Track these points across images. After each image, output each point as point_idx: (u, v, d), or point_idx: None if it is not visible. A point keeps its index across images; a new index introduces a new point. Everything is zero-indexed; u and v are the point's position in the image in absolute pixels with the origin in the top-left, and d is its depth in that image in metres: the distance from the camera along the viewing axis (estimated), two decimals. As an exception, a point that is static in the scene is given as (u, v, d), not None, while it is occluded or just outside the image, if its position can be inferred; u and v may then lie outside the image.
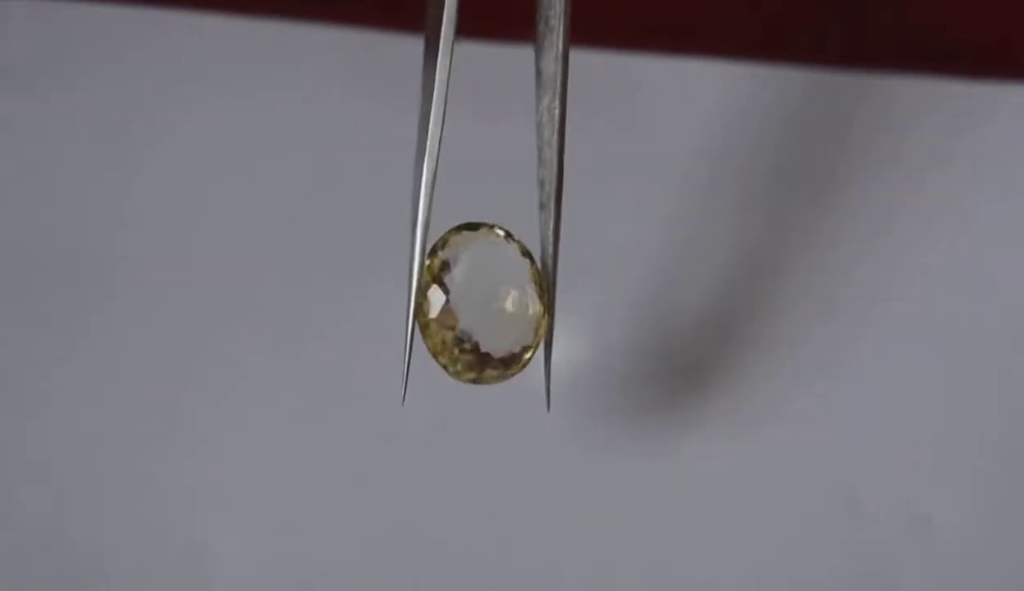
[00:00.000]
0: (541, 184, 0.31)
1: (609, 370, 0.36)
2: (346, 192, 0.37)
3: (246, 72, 0.38)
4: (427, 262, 0.30)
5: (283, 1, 0.39)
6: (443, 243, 0.30)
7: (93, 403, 0.35)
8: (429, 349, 0.30)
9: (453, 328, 0.30)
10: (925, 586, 0.34)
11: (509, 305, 0.29)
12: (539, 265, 0.30)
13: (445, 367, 0.30)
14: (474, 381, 0.30)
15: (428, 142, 0.29)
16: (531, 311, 0.30)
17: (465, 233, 0.30)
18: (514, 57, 0.35)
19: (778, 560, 0.34)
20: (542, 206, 0.30)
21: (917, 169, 0.37)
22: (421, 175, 0.29)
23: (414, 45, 0.36)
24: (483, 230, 0.30)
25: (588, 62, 0.35)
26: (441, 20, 0.29)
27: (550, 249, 0.30)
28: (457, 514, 0.35)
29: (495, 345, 0.30)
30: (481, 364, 0.30)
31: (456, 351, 0.30)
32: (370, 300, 0.36)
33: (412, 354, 0.29)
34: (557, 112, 0.30)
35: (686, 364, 0.36)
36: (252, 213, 0.37)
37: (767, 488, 0.35)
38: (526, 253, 0.30)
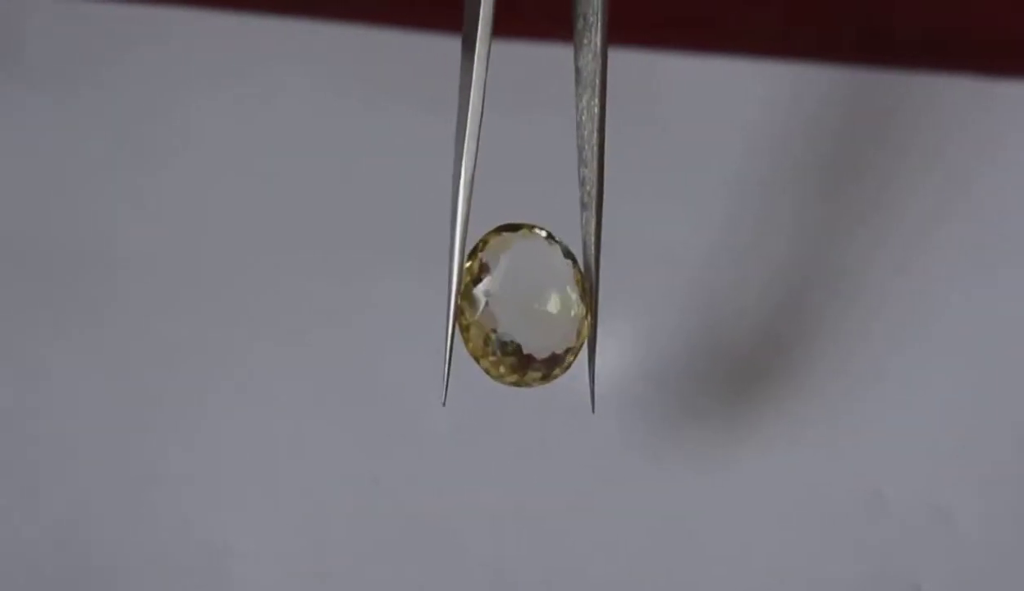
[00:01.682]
0: (582, 183, 0.30)
1: (655, 374, 0.36)
2: (365, 189, 0.37)
3: (263, 70, 0.38)
4: (467, 264, 0.30)
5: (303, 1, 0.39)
6: (483, 245, 0.30)
7: (111, 401, 0.35)
8: (470, 352, 0.30)
9: (495, 330, 0.29)
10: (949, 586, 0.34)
11: (551, 307, 0.29)
12: (581, 266, 0.30)
13: (487, 370, 0.30)
14: (516, 384, 0.30)
15: (466, 141, 0.29)
16: (573, 312, 0.29)
17: (505, 234, 0.30)
18: (552, 56, 0.35)
19: (803, 559, 0.34)
20: (584, 206, 0.30)
21: (960, 171, 0.37)
22: (459, 175, 0.29)
23: (429, 43, 0.38)
24: (523, 231, 0.30)
25: (621, 60, 0.34)
26: (478, 19, 0.29)
27: (592, 250, 0.30)
28: (478, 516, 0.34)
29: (537, 347, 0.29)
30: (523, 367, 0.29)
31: (498, 354, 0.29)
32: (391, 298, 0.36)
33: (452, 357, 0.29)
34: (597, 110, 0.30)
35: (731, 369, 0.36)
36: (271, 210, 0.37)
37: (801, 492, 0.35)
38: (568, 254, 0.30)
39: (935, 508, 0.34)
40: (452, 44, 0.34)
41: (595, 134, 0.30)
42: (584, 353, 0.30)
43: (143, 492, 0.34)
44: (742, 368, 0.36)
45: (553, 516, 0.34)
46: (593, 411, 0.30)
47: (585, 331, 0.29)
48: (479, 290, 0.29)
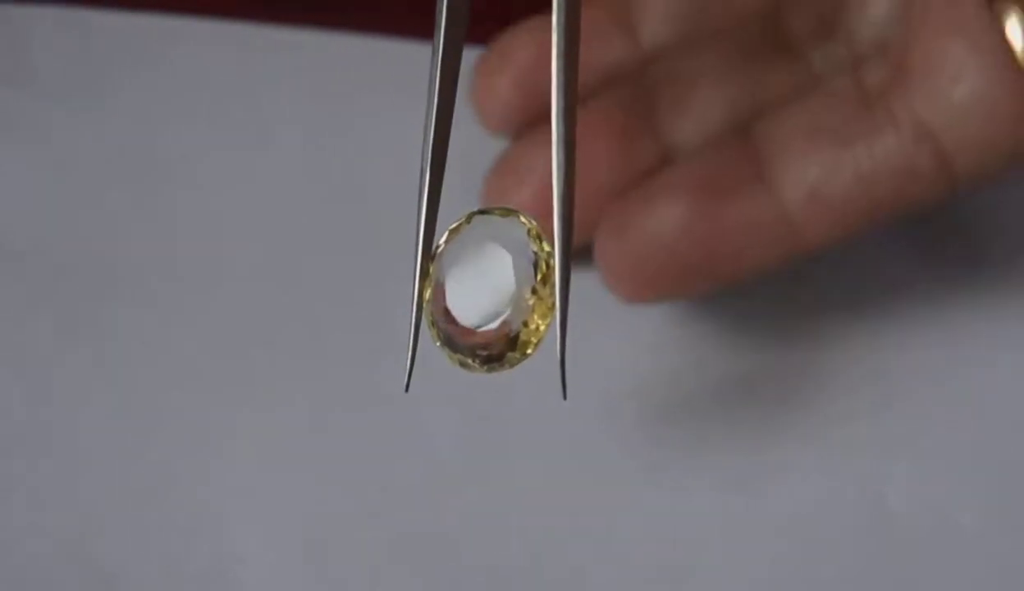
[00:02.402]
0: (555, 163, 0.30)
1: (659, 381, 0.36)
2: (373, 198, 0.37)
3: (273, 80, 0.38)
4: (439, 244, 0.30)
5: (309, 11, 0.39)
6: (449, 232, 0.30)
7: (118, 412, 0.35)
8: (432, 338, 0.30)
9: (444, 316, 0.29)
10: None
11: (500, 290, 0.29)
12: (554, 248, 0.29)
13: (447, 357, 0.30)
14: (470, 368, 0.29)
15: (425, 136, 0.30)
16: (525, 295, 0.29)
17: (474, 218, 0.30)
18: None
19: (806, 567, 0.34)
20: (557, 198, 0.30)
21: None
22: (425, 167, 0.30)
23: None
24: (492, 215, 0.30)
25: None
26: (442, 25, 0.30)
27: (562, 231, 0.29)
28: (486, 526, 0.34)
29: (482, 329, 0.29)
30: (472, 350, 0.29)
31: (444, 338, 0.29)
32: (397, 305, 0.34)
33: (419, 343, 0.29)
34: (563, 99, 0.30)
35: (736, 375, 0.36)
36: (280, 220, 0.37)
37: (806, 498, 0.35)
38: (538, 236, 0.29)
39: (942, 517, 0.34)
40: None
41: (561, 120, 0.30)
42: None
43: (152, 505, 0.34)
44: (746, 374, 0.36)
45: (560, 524, 0.34)
46: (564, 398, 0.29)
47: (541, 315, 0.29)
48: (431, 275, 0.29)
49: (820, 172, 0.33)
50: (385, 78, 0.38)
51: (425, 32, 0.37)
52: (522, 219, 0.29)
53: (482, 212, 0.30)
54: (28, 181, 0.37)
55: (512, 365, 0.29)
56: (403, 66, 0.38)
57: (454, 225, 0.30)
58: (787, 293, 0.37)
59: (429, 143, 0.29)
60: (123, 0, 0.39)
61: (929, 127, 0.32)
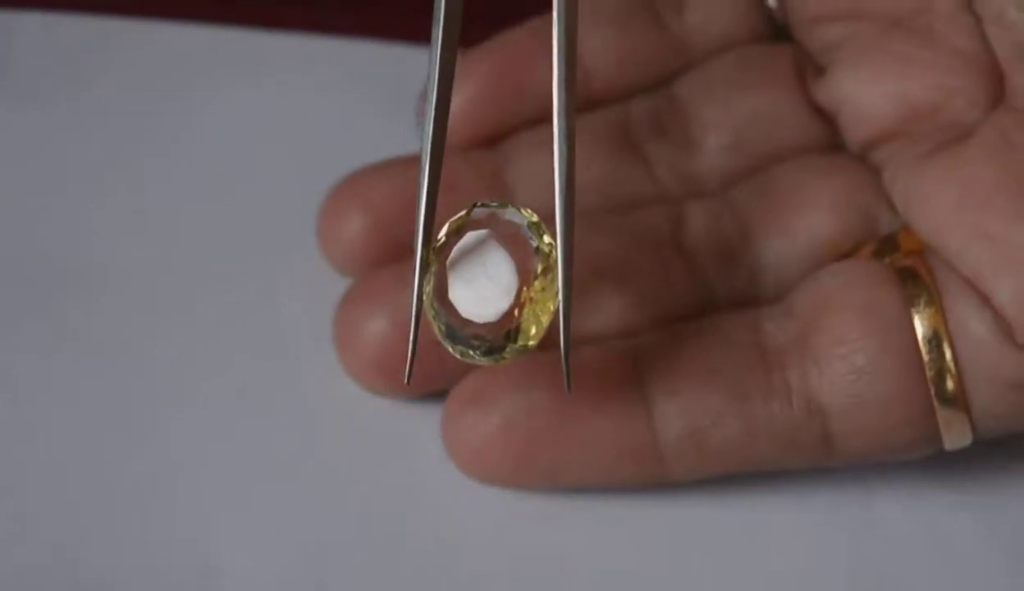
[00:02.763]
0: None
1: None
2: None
3: (250, 83, 0.38)
4: (439, 237, 0.30)
5: (285, 14, 0.39)
6: (455, 221, 0.30)
7: (100, 421, 0.34)
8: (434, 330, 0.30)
9: (445, 308, 0.29)
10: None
11: (501, 282, 0.29)
12: (555, 238, 0.29)
13: (449, 349, 0.30)
14: (471, 359, 0.30)
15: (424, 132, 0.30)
16: (526, 287, 0.29)
17: (462, 215, 0.30)
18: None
19: (794, 576, 0.33)
20: (557, 190, 0.30)
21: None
22: (424, 161, 0.29)
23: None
24: (478, 210, 0.30)
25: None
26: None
27: (563, 224, 0.29)
28: (476, 536, 0.33)
29: (483, 320, 0.29)
30: (474, 342, 0.29)
31: (446, 330, 0.30)
32: None
33: (418, 336, 0.29)
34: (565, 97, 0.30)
35: None
36: (261, 221, 0.36)
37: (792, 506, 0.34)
38: (539, 228, 0.30)
39: (928, 525, 0.33)
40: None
41: (563, 115, 0.29)
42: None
43: (136, 514, 0.33)
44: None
45: (555, 537, 0.33)
46: (568, 389, 0.29)
47: (542, 306, 0.29)
48: (432, 268, 0.30)
49: (706, 417, 0.31)
50: (366, 79, 0.39)
51: (392, 33, 0.39)
52: (523, 211, 0.30)
53: (484, 204, 0.30)
54: (6, 184, 0.37)
55: (514, 356, 0.30)
56: (382, 67, 0.38)
57: (455, 218, 0.30)
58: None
59: (428, 136, 0.29)
60: (104, 3, 0.39)
61: (823, 408, 0.31)
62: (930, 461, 0.33)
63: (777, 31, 0.36)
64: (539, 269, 0.29)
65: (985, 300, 0.31)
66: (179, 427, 0.34)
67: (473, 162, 0.34)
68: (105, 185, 0.37)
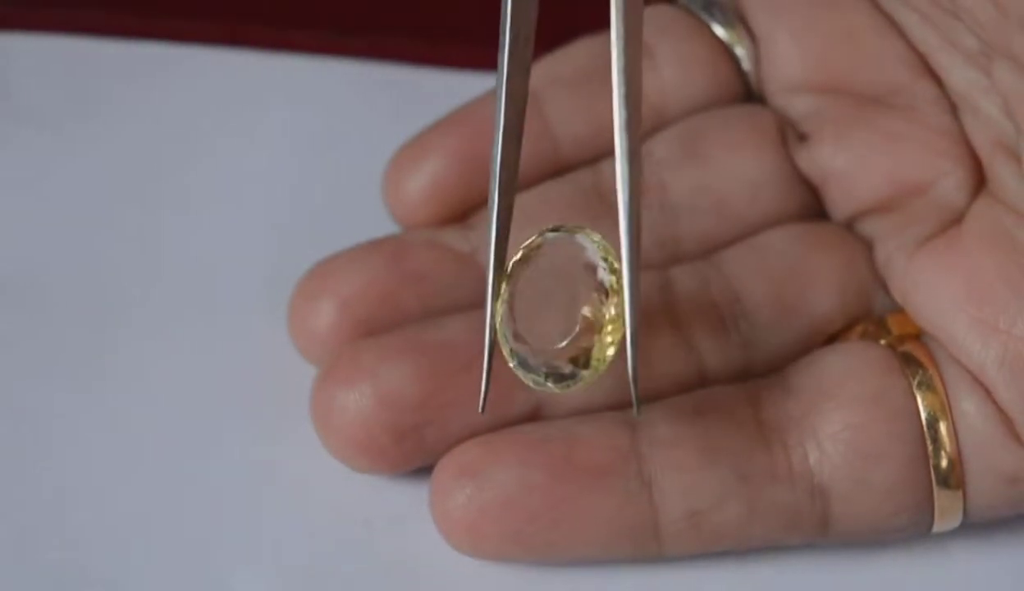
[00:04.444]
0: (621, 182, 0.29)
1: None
2: (364, 223, 0.35)
3: (257, 105, 0.38)
4: (509, 266, 0.30)
5: (292, 36, 0.39)
6: (520, 250, 0.30)
7: (109, 441, 0.34)
8: (506, 358, 0.30)
9: (511, 340, 0.29)
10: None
11: (569, 314, 0.29)
12: (621, 264, 0.29)
13: (521, 378, 0.30)
14: (543, 388, 0.29)
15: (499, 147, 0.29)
16: (594, 320, 0.29)
17: (536, 239, 0.30)
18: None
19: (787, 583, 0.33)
20: (622, 207, 0.29)
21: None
22: (495, 184, 0.29)
23: (433, 79, 0.39)
24: (550, 234, 0.30)
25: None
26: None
27: (627, 252, 0.29)
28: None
29: (554, 347, 0.29)
30: (544, 376, 0.29)
31: (518, 358, 0.29)
32: None
33: (491, 365, 0.29)
34: (626, 116, 0.29)
35: None
36: (269, 243, 0.36)
37: None
38: (607, 256, 0.29)
39: (931, 540, 0.33)
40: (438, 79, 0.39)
41: (624, 132, 0.29)
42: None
43: (142, 536, 0.32)
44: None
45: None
46: (637, 414, 0.29)
47: (611, 337, 0.29)
48: (503, 295, 0.29)
49: (708, 499, 0.31)
50: (377, 101, 0.39)
51: (406, 56, 0.39)
52: (592, 235, 0.30)
53: (554, 229, 0.30)
54: (9, 206, 0.37)
55: (585, 383, 0.29)
56: (386, 90, 0.39)
57: (526, 243, 0.30)
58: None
59: (497, 162, 0.29)
60: (106, 27, 0.39)
61: (826, 491, 0.31)
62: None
63: (751, 95, 0.36)
64: (608, 294, 0.29)
65: (987, 394, 0.31)
66: (185, 451, 0.33)
67: (442, 247, 0.33)
68: (109, 209, 0.37)
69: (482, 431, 0.32)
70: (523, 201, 0.32)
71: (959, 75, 0.33)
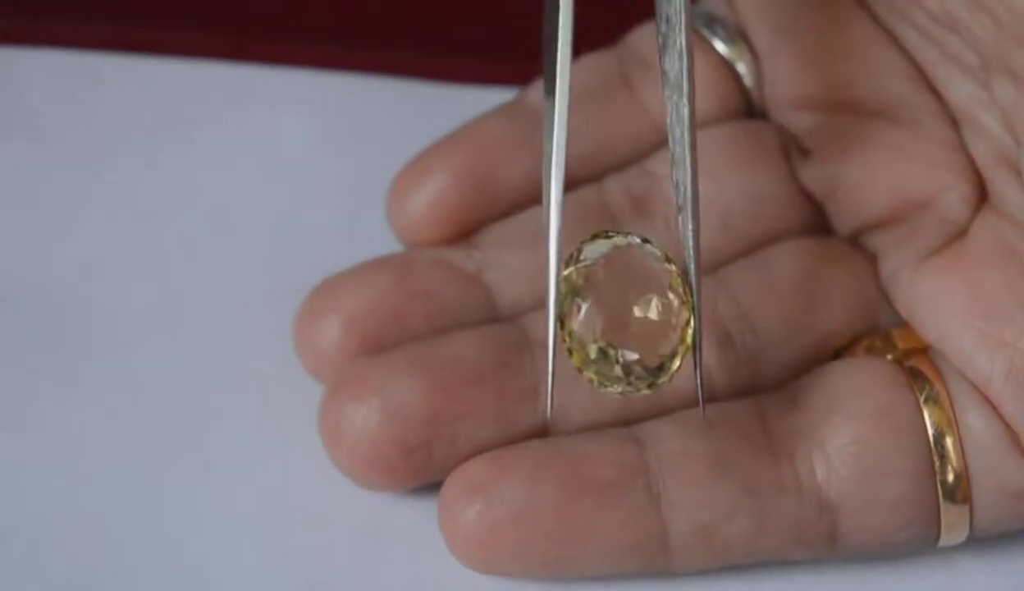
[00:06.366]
0: (676, 186, 0.30)
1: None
2: (369, 238, 0.35)
3: (264, 121, 0.38)
4: (564, 273, 0.29)
5: (297, 49, 0.39)
6: (578, 253, 0.30)
7: (116, 458, 0.33)
8: (574, 364, 0.30)
9: (596, 340, 0.29)
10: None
11: (651, 313, 0.29)
12: (681, 268, 0.30)
13: (591, 381, 0.29)
14: (623, 393, 0.30)
15: (554, 148, 0.29)
16: (674, 317, 0.29)
17: (600, 241, 0.30)
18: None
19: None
20: (679, 208, 0.30)
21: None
22: (550, 184, 0.29)
23: (439, 94, 0.39)
24: (617, 238, 0.30)
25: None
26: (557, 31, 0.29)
27: (691, 251, 0.30)
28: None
29: (641, 354, 0.29)
30: (628, 375, 0.29)
31: (601, 364, 0.29)
32: None
33: (556, 369, 0.29)
34: (686, 111, 0.30)
35: None
36: (279, 259, 0.36)
37: None
38: (666, 257, 0.30)
39: (938, 554, 0.33)
40: (444, 93, 0.39)
41: (686, 134, 0.30)
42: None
43: (149, 551, 0.32)
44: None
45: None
46: (703, 415, 0.30)
47: (688, 335, 0.29)
48: (578, 300, 0.29)
49: (717, 513, 0.31)
50: (383, 115, 0.39)
51: (412, 70, 0.39)
52: (653, 242, 0.30)
53: (602, 235, 0.30)
54: (14, 219, 0.37)
55: (656, 388, 0.30)
56: (391, 104, 0.38)
57: (581, 249, 0.30)
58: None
59: (550, 173, 0.29)
60: (112, 40, 0.39)
61: (833, 506, 0.31)
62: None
63: (753, 111, 0.36)
64: (677, 302, 0.29)
65: (994, 408, 0.31)
66: (190, 464, 0.33)
67: (448, 266, 0.34)
68: (114, 223, 0.37)
69: (490, 447, 0.32)
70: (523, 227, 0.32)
71: (959, 89, 0.33)
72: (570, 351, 0.29)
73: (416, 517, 0.33)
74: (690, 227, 0.30)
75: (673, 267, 0.30)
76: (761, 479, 0.31)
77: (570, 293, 0.29)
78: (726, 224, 0.34)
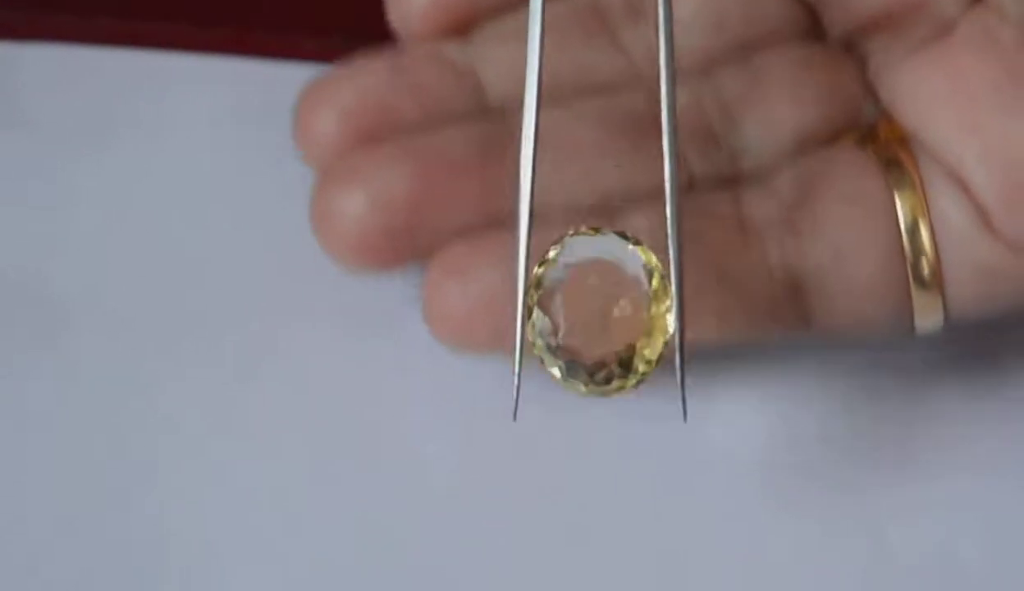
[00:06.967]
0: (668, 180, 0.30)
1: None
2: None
3: (267, 116, 0.36)
4: (538, 270, 0.29)
5: (301, 43, 0.39)
6: (552, 248, 0.30)
7: (109, 461, 0.34)
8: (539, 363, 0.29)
9: (556, 335, 0.29)
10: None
11: (615, 311, 0.29)
12: (666, 269, 0.29)
13: (556, 379, 0.29)
14: (587, 393, 0.29)
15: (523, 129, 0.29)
16: (638, 314, 0.29)
17: (575, 237, 0.30)
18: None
19: None
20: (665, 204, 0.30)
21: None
22: (521, 169, 0.29)
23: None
24: (600, 235, 0.30)
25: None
26: None
27: (675, 252, 0.29)
28: (482, 572, 0.33)
29: (599, 351, 0.29)
30: (588, 373, 0.29)
31: (555, 359, 0.29)
32: (391, 338, 0.35)
33: (522, 365, 0.29)
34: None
35: None
36: (280, 253, 0.36)
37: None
38: (644, 253, 0.29)
39: (943, 552, 0.33)
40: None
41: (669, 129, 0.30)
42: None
43: (150, 555, 0.33)
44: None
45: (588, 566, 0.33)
46: (685, 420, 0.29)
47: (661, 337, 0.29)
48: (544, 296, 0.29)
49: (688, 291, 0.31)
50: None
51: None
52: (627, 235, 0.30)
53: (584, 231, 0.30)
54: (16, 217, 0.37)
55: (625, 389, 0.29)
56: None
57: (552, 246, 0.30)
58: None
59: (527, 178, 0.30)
60: (114, 34, 0.39)
61: (802, 285, 0.32)
62: (941, 483, 0.33)
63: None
64: (651, 292, 0.29)
65: (964, 188, 0.31)
66: (193, 467, 0.34)
67: (441, 60, 0.34)
68: (117, 220, 0.37)
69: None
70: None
71: None
72: (534, 349, 0.30)
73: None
74: (672, 223, 0.30)
75: (648, 265, 0.29)
76: (733, 263, 0.32)
77: (536, 290, 0.29)
78: (720, 26, 0.34)
